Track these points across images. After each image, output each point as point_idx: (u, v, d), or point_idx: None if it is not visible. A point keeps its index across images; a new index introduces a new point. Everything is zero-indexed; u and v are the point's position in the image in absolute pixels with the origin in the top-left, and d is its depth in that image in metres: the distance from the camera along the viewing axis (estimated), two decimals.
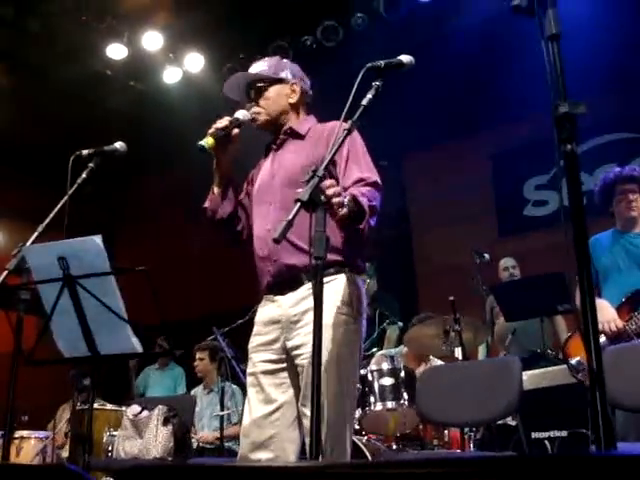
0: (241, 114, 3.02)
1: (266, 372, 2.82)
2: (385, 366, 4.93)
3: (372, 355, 5.68)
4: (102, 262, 2.33)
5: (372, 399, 4.81)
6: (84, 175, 3.29)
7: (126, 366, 8.27)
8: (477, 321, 5.52)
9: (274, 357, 2.82)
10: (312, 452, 2.07)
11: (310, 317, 2.65)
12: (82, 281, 2.34)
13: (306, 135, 3.03)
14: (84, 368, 5.63)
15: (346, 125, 2.43)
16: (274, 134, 3.13)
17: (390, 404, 4.77)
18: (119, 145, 3.42)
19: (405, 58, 2.62)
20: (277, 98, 3.08)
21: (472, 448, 4.72)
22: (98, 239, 2.32)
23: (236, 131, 2.98)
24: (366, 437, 4.80)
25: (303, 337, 2.71)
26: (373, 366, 5.02)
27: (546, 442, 4.98)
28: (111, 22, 7.80)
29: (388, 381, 4.82)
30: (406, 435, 4.94)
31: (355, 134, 2.80)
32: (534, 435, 5.03)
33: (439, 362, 5.62)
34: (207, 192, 3.11)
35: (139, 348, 2.43)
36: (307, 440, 2.68)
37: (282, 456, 2.72)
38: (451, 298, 4.99)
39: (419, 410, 4.01)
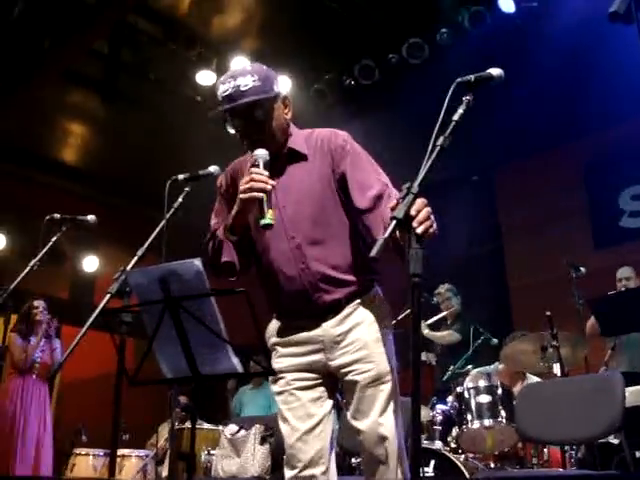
0: (261, 154, 2.69)
1: (304, 388, 2.78)
2: (482, 383, 4.88)
3: (467, 372, 5.62)
4: (202, 284, 2.38)
5: (469, 417, 4.76)
6: (180, 199, 3.37)
7: (223, 386, 8.42)
8: (575, 336, 5.37)
9: (312, 375, 2.79)
10: (414, 472, 2.05)
11: (354, 335, 2.71)
12: (183, 302, 2.39)
13: (307, 154, 2.83)
14: (183, 388, 5.74)
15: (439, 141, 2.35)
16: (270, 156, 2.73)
17: (487, 422, 4.71)
18: (213, 169, 3.46)
19: (495, 71, 2.57)
20: (279, 118, 2.83)
21: (573, 467, 4.60)
22: (198, 262, 2.37)
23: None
24: (464, 456, 4.73)
25: (352, 354, 2.70)
26: (469, 383, 4.96)
27: None
28: (200, 49, 8.00)
29: (485, 399, 4.75)
30: (504, 453, 4.85)
31: (352, 142, 2.80)
32: (639, 454, 4.85)
33: (535, 379, 5.51)
34: None
35: (239, 368, 2.46)
36: (363, 456, 2.74)
37: (331, 469, 2.72)
38: (548, 313, 4.88)
39: (518, 428, 3.94)
